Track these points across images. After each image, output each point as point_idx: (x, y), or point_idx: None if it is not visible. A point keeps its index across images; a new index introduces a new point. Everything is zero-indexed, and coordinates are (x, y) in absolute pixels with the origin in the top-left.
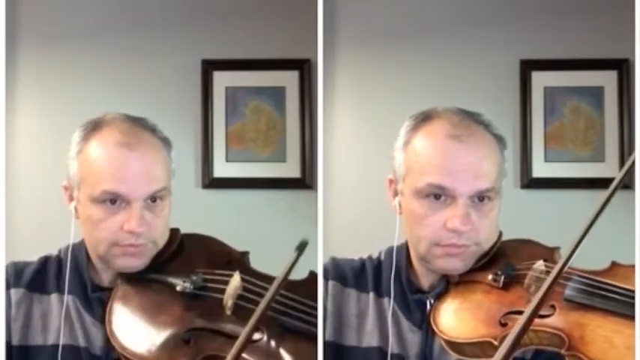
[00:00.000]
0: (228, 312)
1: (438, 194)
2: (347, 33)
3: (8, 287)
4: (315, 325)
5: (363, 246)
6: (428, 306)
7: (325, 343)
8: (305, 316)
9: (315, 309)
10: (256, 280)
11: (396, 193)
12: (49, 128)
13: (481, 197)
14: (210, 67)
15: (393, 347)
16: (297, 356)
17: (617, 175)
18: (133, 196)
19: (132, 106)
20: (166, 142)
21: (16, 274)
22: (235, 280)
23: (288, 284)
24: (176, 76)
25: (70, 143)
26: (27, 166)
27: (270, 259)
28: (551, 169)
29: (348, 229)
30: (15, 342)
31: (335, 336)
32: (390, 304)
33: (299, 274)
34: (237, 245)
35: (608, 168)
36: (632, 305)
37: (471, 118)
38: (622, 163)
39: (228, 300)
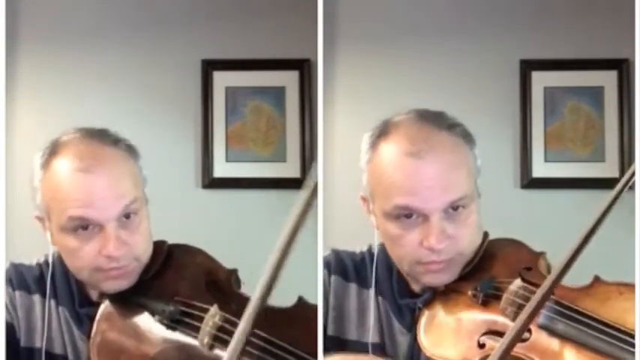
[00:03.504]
0: (205, 349)
1: (408, 214)
2: (347, 33)
3: (13, 289)
4: None
5: (361, 246)
6: (417, 310)
7: (327, 337)
8: None
9: (295, 355)
10: (239, 305)
11: (369, 211)
12: (49, 128)
13: (455, 207)
14: (210, 67)
15: (387, 347)
16: None
17: (617, 175)
18: (103, 218)
19: (131, 106)
20: (132, 151)
21: (19, 275)
22: (211, 316)
23: (269, 314)
24: (176, 76)
25: (32, 172)
26: (27, 165)
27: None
28: (551, 169)
29: (347, 228)
30: (22, 344)
31: (337, 331)
32: (383, 304)
33: (286, 299)
34: (237, 246)
35: (608, 168)
36: (604, 341)
37: (431, 123)
38: (622, 163)
39: (204, 337)
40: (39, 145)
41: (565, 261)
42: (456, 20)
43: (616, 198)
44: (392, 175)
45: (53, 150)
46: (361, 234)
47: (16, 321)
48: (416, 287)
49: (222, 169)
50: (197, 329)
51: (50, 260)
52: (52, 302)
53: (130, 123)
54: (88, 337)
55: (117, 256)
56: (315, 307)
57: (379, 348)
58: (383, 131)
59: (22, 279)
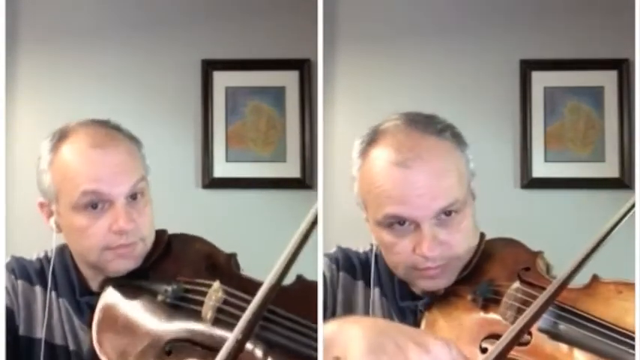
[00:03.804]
0: (208, 323)
1: (401, 221)
2: (347, 33)
3: (16, 278)
4: (303, 344)
5: (364, 246)
6: (418, 313)
7: None
8: (292, 334)
9: (303, 325)
10: (239, 291)
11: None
12: (49, 127)
13: (448, 212)
14: (210, 67)
15: None
16: None
17: (617, 175)
18: (114, 193)
19: (132, 105)
20: (135, 140)
21: (20, 267)
22: (214, 290)
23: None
24: (176, 76)
25: (40, 157)
26: (27, 164)
27: (269, 260)
28: (551, 169)
29: (347, 228)
30: (21, 332)
31: None
32: (387, 304)
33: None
34: (237, 246)
35: (608, 168)
36: (607, 344)
37: (420, 128)
38: (622, 163)
39: (208, 311)
40: (39, 144)
41: (569, 272)
42: (456, 20)
43: (621, 219)
44: (382, 184)
45: (62, 134)
46: (362, 234)
47: (15, 307)
48: (417, 289)
49: (222, 169)
50: (201, 304)
51: (53, 253)
52: (53, 294)
53: (129, 123)
54: (89, 326)
55: (127, 229)
56: (314, 284)
57: None
58: (372, 139)
59: (24, 270)
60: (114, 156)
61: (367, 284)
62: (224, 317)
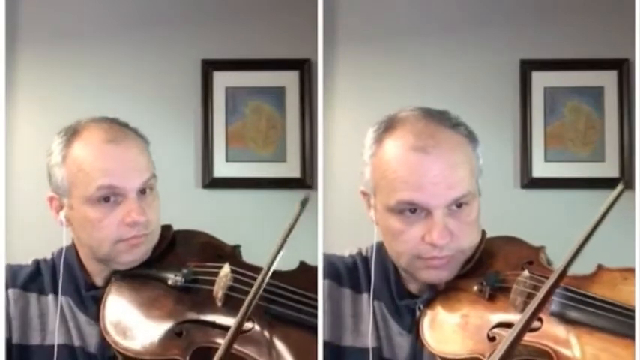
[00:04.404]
0: (219, 303)
1: (412, 209)
2: (347, 33)
3: (7, 287)
4: (307, 313)
5: (350, 249)
6: (417, 311)
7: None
8: (296, 304)
9: (306, 297)
10: (247, 271)
11: (370, 205)
12: (49, 129)
13: (459, 204)
14: (210, 67)
15: (384, 350)
16: (291, 344)
17: (617, 175)
18: (128, 187)
19: (132, 106)
20: (143, 138)
21: (13, 275)
22: (225, 271)
23: (277, 275)
24: (176, 76)
25: (51, 152)
26: (27, 166)
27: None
28: (551, 169)
29: (345, 228)
30: (15, 340)
31: (333, 336)
32: (379, 307)
33: (289, 264)
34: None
35: (608, 168)
36: (617, 321)
37: (437, 120)
38: (622, 163)
39: (219, 291)
40: (39, 145)
41: (573, 250)
42: (456, 20)
43: (619, 195)
44: (397, 170)
45: (75, 130)
46: (360, 233)
47: (5, 317)
48: (413, 288)
49: (222, 169)
50: (212, 284)
51: (63, 248)
52: (51, 295)
53: (130, 123)
54: (96, 319)
55: (141, 222)
56: (315, 268)
57: (376, 352)
58: (388, 126)
59: (16, 278)
60: (127, 151)
61: (354, 289)
62: (235, 294)
